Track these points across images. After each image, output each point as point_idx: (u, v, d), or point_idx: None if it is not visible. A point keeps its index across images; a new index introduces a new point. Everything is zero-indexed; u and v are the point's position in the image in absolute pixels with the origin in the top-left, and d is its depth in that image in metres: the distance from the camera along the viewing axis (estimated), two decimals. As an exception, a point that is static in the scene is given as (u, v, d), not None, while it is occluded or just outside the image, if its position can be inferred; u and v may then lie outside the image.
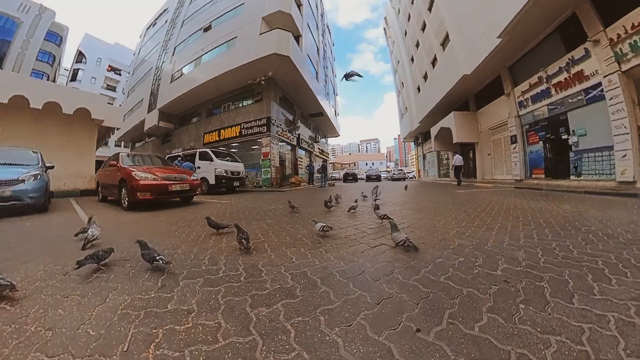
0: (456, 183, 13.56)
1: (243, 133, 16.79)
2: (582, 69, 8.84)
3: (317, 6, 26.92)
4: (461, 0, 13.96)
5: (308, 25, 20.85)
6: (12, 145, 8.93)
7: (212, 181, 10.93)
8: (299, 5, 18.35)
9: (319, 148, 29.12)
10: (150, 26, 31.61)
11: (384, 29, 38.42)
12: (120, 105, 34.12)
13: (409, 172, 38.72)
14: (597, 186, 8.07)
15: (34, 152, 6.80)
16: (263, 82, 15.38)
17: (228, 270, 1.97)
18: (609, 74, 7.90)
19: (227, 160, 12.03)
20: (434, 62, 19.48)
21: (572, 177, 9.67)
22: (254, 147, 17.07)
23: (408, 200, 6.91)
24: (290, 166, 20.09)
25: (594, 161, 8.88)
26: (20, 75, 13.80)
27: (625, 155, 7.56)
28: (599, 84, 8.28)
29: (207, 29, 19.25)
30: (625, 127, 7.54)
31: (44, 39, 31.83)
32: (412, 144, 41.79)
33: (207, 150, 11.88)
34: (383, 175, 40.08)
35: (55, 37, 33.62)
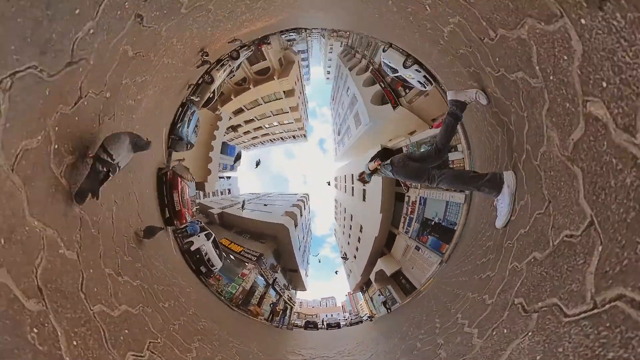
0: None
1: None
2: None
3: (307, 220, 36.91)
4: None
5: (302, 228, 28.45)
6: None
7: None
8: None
9: (288, 295, 30.02)
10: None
11: (335, 232, 50.12)
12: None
13: (364, 315, 38.22)
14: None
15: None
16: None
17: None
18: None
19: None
20: (359, 239, 26.48)
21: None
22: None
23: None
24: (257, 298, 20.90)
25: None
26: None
27: None
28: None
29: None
30: None
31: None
32: (359, 295, 43.62)
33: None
34: (342, 323, 38.43)
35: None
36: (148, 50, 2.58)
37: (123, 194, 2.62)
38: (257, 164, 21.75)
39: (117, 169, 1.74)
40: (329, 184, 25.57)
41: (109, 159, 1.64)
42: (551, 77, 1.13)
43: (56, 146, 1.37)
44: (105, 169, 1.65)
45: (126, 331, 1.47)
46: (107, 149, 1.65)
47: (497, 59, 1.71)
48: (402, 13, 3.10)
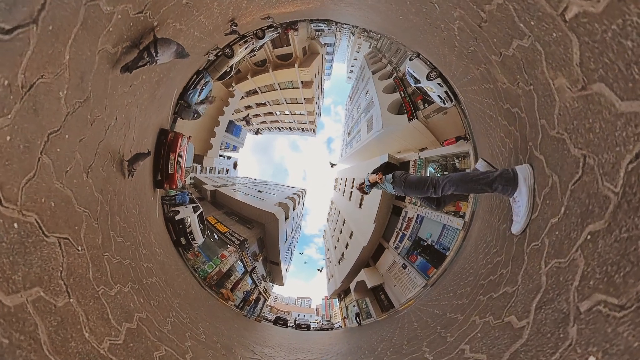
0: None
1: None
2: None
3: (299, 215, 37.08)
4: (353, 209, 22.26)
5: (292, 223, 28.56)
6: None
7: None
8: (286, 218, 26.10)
9: (264, 286, 30.24)
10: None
11: (324, 234, 50.27)
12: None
13: (336, 323, 38.91)
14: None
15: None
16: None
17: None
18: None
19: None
20: (347, 246, 26.62)
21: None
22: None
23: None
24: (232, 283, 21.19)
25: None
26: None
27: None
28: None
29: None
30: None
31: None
32: (335, 301, 44.07)
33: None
34: (313, 325, 38.64)
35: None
36: (195, 3, 2.88)
37: (124, 119, 2.66)
38: (257, 132, 22.36)
39: (154, 64, 2.18)
40: (332, 166, 25.48)
41: (155, 55, 2.07)
42: (532, 23, 1.20)
43: (110, 29, 1.64)
44: (147, 59, 2.06)
45: (52, 204, 1.26)
46: (157, 48, 2.07)
47: (495, 40, 1.85)
48: (419, 15, 3.19)
